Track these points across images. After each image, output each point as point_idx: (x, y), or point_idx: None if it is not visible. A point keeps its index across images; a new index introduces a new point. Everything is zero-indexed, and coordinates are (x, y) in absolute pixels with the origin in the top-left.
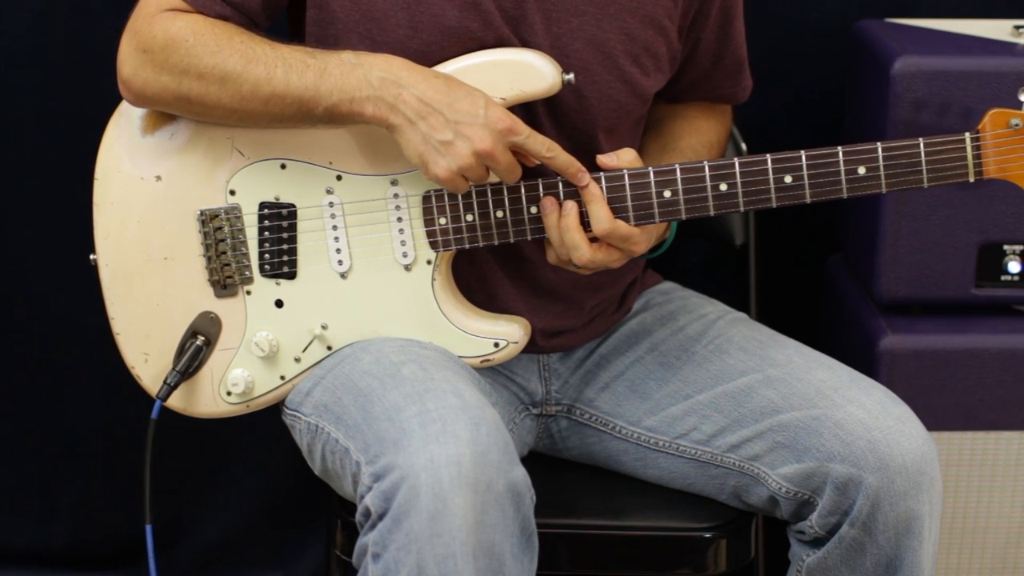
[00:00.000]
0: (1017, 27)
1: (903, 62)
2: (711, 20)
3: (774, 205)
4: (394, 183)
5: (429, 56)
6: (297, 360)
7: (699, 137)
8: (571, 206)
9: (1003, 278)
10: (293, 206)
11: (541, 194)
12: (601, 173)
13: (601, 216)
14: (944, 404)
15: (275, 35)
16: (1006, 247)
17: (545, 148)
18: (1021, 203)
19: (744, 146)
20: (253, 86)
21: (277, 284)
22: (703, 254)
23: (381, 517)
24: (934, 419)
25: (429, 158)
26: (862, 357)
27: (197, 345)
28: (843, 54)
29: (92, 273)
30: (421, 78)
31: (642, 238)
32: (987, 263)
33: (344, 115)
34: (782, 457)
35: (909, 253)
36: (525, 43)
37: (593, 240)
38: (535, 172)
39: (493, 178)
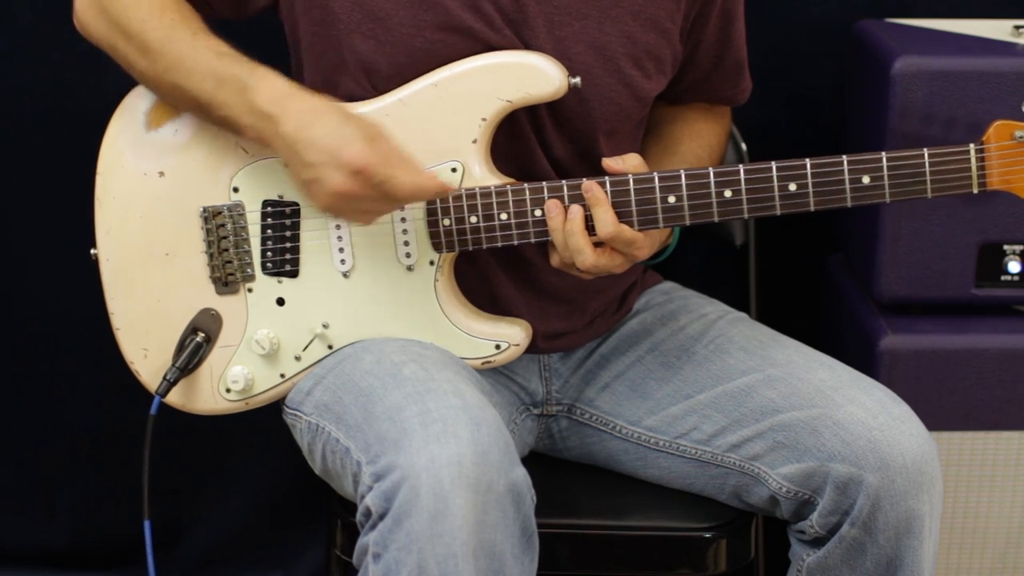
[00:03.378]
0: (1017, 27)
1: (903, 62)
2: (712, 22)
3: (778, 213)
4: None
5: (434, 54)
6: (297, 358)
7: (699, 141)
8: (576, 210)
9: (1003, 278)
10: (296, 204)
11: (546, 197)
12: (607, 177)
13: (606, 220)
14: (944, 404)
15: (268, 34)
16: (1006, 247)
17: (405, 199)
18: (1021, 204)
19: (744, 146)
20: (164, 69)
21: (279, 282)
22: (703, 254)
23: (382, 517)
24: (934, 419)
25: (306, 193)
26: (862, 357)
27: (197, 342)
28: (843, 54)
29: (92, 272)
30: (293, 114)
31: (645, 243)
32: (987, 263)
33: (234, 131)
34: (782, 457)
35: (909, 253)
36: (527, 46)
37: (597, 245)
38: (539, 175)
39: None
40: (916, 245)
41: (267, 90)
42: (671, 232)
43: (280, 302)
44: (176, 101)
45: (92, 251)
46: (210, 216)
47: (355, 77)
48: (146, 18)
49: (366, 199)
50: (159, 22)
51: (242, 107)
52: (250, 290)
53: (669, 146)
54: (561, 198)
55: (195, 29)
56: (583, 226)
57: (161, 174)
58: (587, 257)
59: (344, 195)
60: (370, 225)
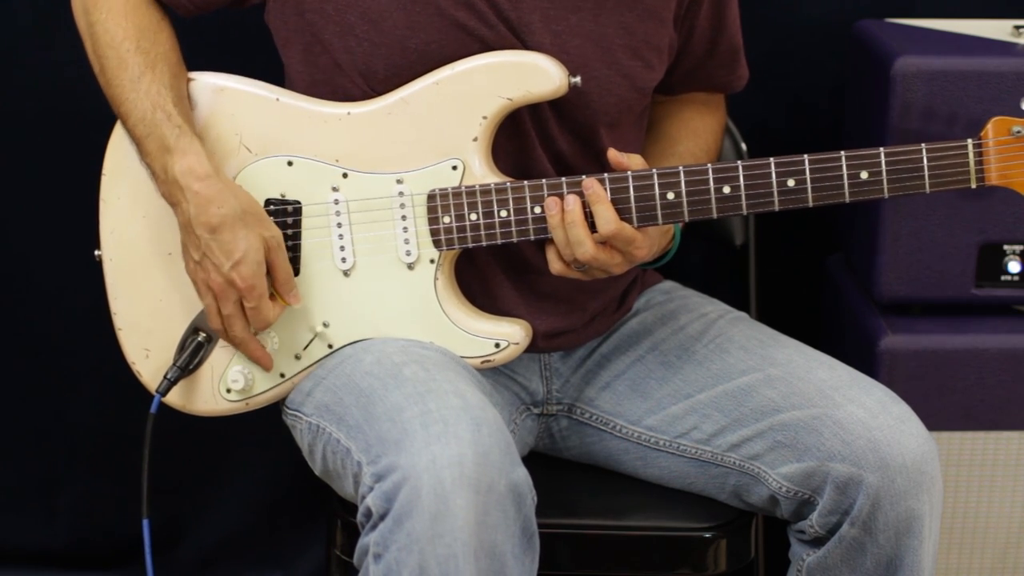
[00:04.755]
0: (1017, 27)
1: (903, 62)
2: (704, 7)
3: (776, 208)
4: (399, 181)
5: (430, 54)
6: (298, 358)
7: (696, 140)
8: (574, 199)
9: (1003, 278)
10: (299, 203)
11: (545, 194)
12: (606, 174)
13: (608, 217)
14: (944, 404)
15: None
16: (1006, 247)
17: (258, 322)
18: (1021, 203)
19: (744, 146)
20: (112, 97)
21: None
22: (703, 254)
23: (383, 518)
24: (934, 419)
25: (185, 264)
26: (862, 357)
27: (198, 341)
28: (843, 54)
29: (93, 273)
30: (203, 199)
31: (644, 243)
32: (987, 263)
33: (153, 181)
34: (782, 456)
35: (909, 253)
36: (524, 41)
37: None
38: (539, 172)
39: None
40: (916, 245)
41: (184, 162)
42: (672, 237)
43: None
44: (123, 127)
45: (96, 252)
46: None
47: (352, 79)
48: (109, 42)
49: (225, 309)
50: (116, 50)
51: (159, 164)
52: None
53: (667, 147)
54: (560, 195)
55: (145, 66)
56: (583, 217)
57: None
58: (588, 249)
59: (216, 296)
60: (373, 223)
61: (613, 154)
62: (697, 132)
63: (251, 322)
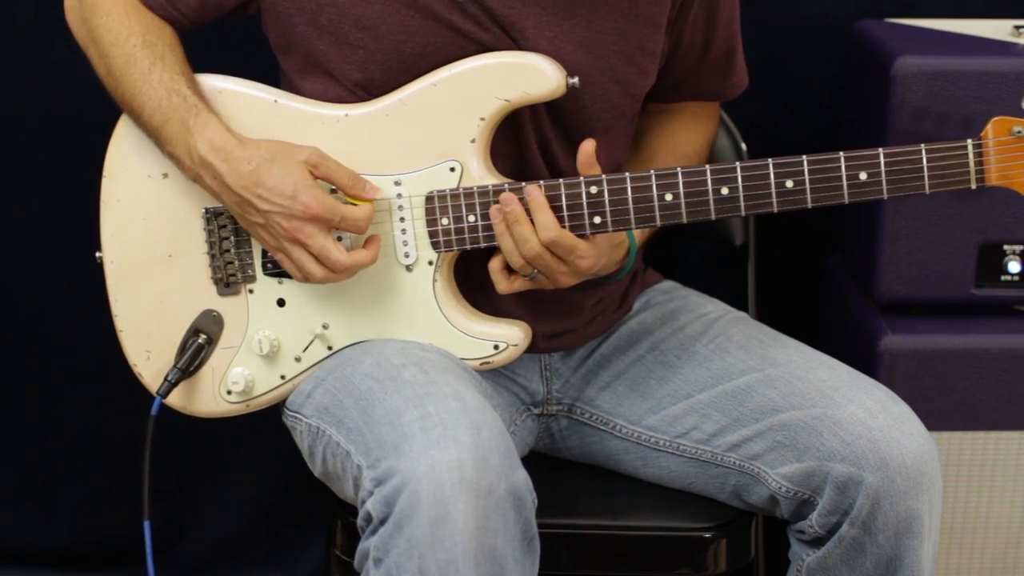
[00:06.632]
0: (1017, 27)
1: (903, 62)
2: (693, 12)
3: (775, 210)
4: (398, 183)
5: (425, 59)
6: (298, 359)
7: (674, 153)
8: (510, 198)
9: (1003, 278)
10: None
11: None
12: (604, 176)
13: (547, 223)
14: (944, 404)
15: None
16: (1006, 247)
17: (358, 227)
18: (1021, 203)
19: (744, 146)
20: (123, 95)
21: (279, 283)
22: (703, 254)
23: (383, 522)
24: (934, 419)
25: (254, 234)
26: (862, 357)
27: (199, 343)
28: (843, 54)
29: (94, 273)
30: (234, 166)
31: (589, 252)
32: (987, 263)
33: (178, 167)
34: (782, 456)
35: (909, 253)
36: (519, 45)
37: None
38: (536, 174)
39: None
40: (916, 245)
41: (207, 139)
42: (627, 252)
43: (280, 303)
44: (137, 125)
45: (97, 254)
46: (212, 217)
47: (348, 87)
48: (114, 41)
49: (311, 246)
50: (123, 48)
51: (183, 148)
52: (251, 291)
53: (646, 159)
54: (558, 196)
55: (154, 58)
56: (525, 214)
57: (165, 175)
58: (534, 245)
59: (295, 241)
60: (372, 225)
61: (580, 165)
62: (677, 145)
63: (352, 230)
